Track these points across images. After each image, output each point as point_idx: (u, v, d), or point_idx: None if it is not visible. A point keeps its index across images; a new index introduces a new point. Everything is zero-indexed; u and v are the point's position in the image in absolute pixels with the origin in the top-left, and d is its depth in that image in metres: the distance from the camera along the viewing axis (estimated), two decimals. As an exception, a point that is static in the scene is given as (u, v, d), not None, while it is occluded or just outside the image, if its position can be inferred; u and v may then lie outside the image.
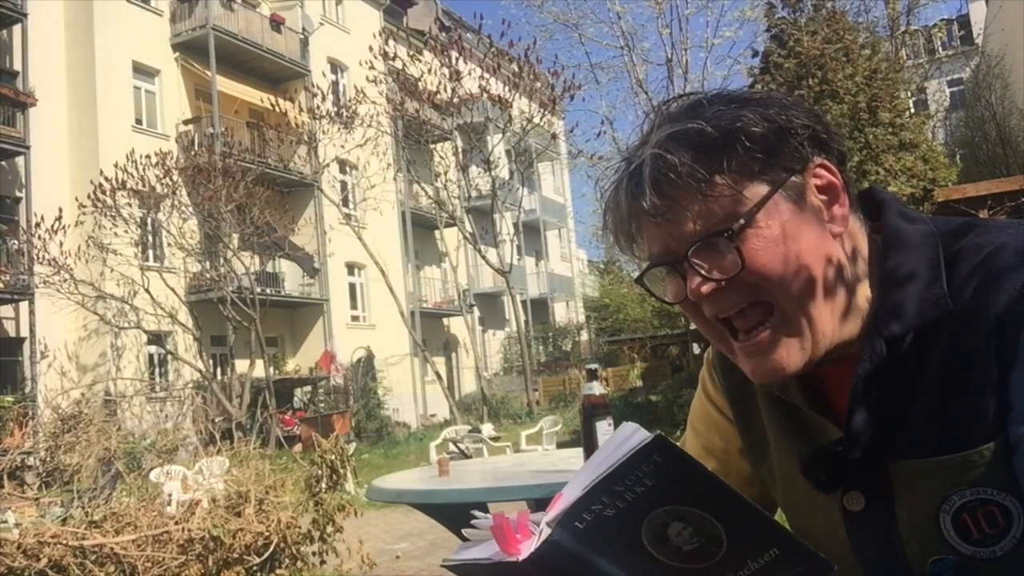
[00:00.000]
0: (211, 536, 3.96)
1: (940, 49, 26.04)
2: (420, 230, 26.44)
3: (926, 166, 9.67)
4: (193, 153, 18.94)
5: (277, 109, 18.48)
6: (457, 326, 27.57)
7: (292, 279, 21.75)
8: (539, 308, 32.24)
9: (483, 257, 19.72)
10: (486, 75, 17.88)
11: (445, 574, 0.76)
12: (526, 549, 0.67)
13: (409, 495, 3.19)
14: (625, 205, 0.77)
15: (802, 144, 0.75)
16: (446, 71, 18.06)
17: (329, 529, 4.47)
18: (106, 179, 15.91)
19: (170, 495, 6.08)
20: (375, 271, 18.88)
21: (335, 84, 23.35)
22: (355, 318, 24.08)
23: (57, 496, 8.09)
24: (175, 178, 17.08)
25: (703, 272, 0.74)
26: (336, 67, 24.68)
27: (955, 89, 25.74)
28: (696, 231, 0.74)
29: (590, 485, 0.63)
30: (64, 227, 15.46)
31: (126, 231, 16.32)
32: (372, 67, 17.23)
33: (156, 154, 16.76)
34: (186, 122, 20.42)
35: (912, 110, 13.20)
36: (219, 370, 19.29)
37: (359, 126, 18.22)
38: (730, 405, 0.95)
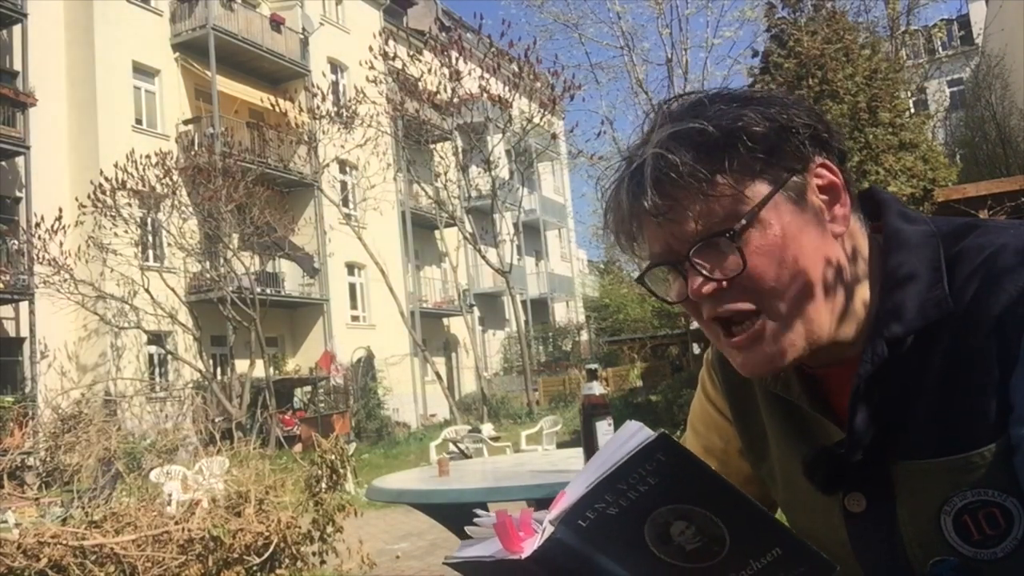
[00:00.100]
0: (211, 536, 3.96)
1: (940, 49, 26.04)
2: (420, 230, 26.44)
3: (926, 166, 9.67)
4: (193, 153, 18.94)
5: (277, 109, 18.48)
6: (457, 326, 27.57)
7: (292, 279, 21.75)
8: (539, 308, 32.24)
9: (483, 257, 19.71)
10: (486, 75, 17.88)
11: (446, 574, 0.76)
12: (529, 547, 0.67)
13: (409, 495, 3.19)
14: (626, 204, 0.76)
15: (803, 143, 0.75)
16: (446, 71, 18.05)
17: (329, 529, 4.47)
18: (106, 179, 15.91)
19: (170, 495, 6.07)
20: (375, 271, 18.88)
21: (335, 84, 23.34)
22: (355, 318, 24.07)
23: (57, 496, 8.09)
24: (175, 178, 17.08)
25: (705, 272, 0.74)
26: (336, 67, 24.67)
27: (955, 89, 25.74)
28: (698, 231, 0.73)
29: (593, 483, 0.63)
30: (64, 227, 15.45)
31: (126, 231, 16.31)
32: (372, 67, 17.23)
33: (156, 154, 16.76)
34: (186, 122, 20.41)
35: (912, 110, 13.19)
36: (219, 370, 19.28)
37: (359, 126, 18.22)
38: (729, 405, 0.95)
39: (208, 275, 18.23)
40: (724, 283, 0.74)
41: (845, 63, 10.13)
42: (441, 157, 19.99)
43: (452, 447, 11.22)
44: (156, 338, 17.61)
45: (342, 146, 18.19)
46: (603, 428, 2.43)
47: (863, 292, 0.79)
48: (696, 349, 18.53)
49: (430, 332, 26.10)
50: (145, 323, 16.97)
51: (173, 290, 17.25)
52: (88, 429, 9.92)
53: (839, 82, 9.94)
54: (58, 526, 4.05)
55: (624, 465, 0.62)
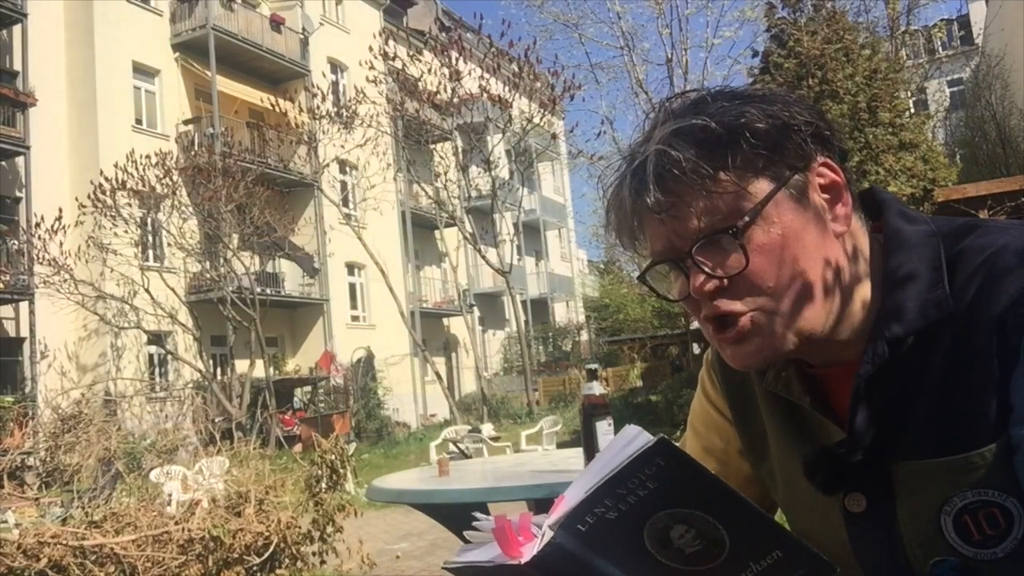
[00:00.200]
0: (211, 536, 3.96)
1: (940, 49, 26.04)
2: (420, 230, 26.45)
3: (926, 166, 9.67)
4: (193, 153, 18.95)
5: (277, 109, 18.49)
6: (457, 326, 27.57)
7: (292, 279, 21.76)
8: (539, 308, 32.25)
9: (483, 257, 19.72)
10: (486, 75, 17.88)
11: (446, 575, 0.76)
12: (528, 552, 0.66)
13: (409, 495, 3.19)
14: (628, 201, 0.76)
15: (805, 141, 0.75)
16: (446, 71, 18.06)
17: (329, 529, 4.47)
18: (106, 179, 15.91)
19: (170, 495, 6.07)
20: (375, 271, 18.88)
21: (335, 84, 23.35)
22: (355, 318, 24.08)
23: (57, 496, 8.09)
24: (175, 178, 17.09)
25: (707, 269, 0.74)
26: (336, 67, 24.68)
27: (955, 89, 25.74)
28: (700, 228, 0.73)
29: (593, 488, 0.63)
30: (64, 227, 15.46)
31: (126, 231, 16.32)
32: (372, 67, 17.24)
33: (156, 154, 16.77)
34: (186, 122, 20.42)
35: (912, 110, 13.19)
36: (219, 370, 19.29)
37: (359, 126, 18.22)
38: (729, 406, 0.95)
39: (208, 275, 18.23)
40: (725, 281, 0.74)
41: (845, 63, 10.13)
42: (441, 157, 19.99)
43: (452, 447, 11.22)
44: (156, 338, 17.62)
45: (342, 146, 18.19)
46: (603, 428, 2.44)
47: (863, 292, 0.78)
48: (696, 349, 18.53)
49: (430, 332, 26.11)
50: (145, 323, 16.98)
51: (173, 290, 17.26)
52: (88, 429, 9.93)
53: (839, 82, 9.94)
54: (58, 526, 4.05)
55: (623, 470, 0.61)
